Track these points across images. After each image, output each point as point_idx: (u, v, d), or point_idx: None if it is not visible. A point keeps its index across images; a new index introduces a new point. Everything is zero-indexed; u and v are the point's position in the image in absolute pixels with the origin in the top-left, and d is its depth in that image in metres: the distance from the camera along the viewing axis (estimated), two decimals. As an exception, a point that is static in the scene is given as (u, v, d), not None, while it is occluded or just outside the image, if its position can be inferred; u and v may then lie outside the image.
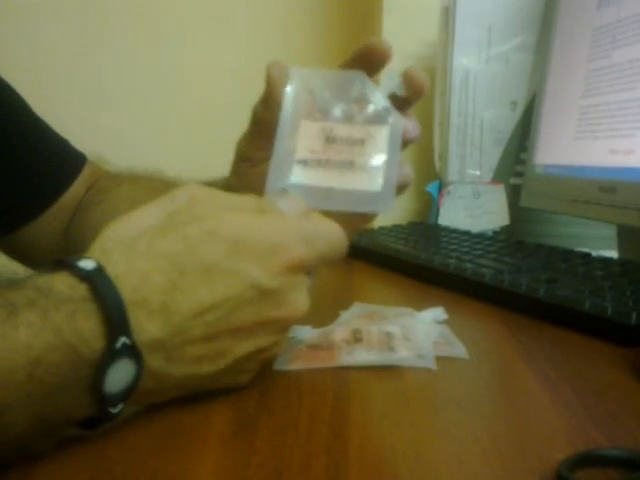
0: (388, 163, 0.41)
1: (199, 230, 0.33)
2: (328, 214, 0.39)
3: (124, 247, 0.32)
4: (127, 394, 0.30)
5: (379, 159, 0.41)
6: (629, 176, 0.64)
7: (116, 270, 0.30)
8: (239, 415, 0.33)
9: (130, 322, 0.29)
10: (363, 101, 0.42)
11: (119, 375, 0.29)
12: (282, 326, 0.35)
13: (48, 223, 0.63)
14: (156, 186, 0.57)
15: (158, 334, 0.30)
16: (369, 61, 0.43)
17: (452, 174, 0.91)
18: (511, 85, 0.89)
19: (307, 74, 0.43)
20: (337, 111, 0.42)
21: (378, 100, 0.42)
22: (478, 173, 0.91)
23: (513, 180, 0.91)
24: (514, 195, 0.89)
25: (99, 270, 0.30)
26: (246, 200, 0.36)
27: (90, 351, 0.28)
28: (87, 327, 0.28)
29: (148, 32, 1.17)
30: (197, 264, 0.32)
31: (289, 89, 0.42)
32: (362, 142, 0.41)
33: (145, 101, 1.18)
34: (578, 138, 0.74)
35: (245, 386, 0.36)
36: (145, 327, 0.30)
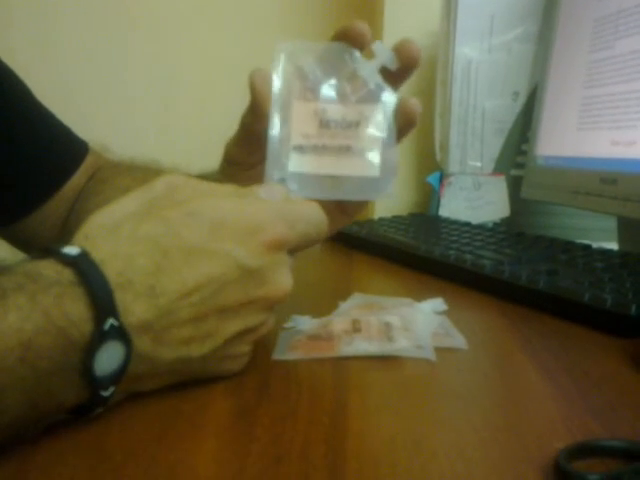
0: (385, 145, 0.40)
1: (180, 212, 0.33)
2: (331, 203, 0.39)
3: (107, 233, 0.32)
4: (117, 376, 0.30)
5: (375, 142, 0.40)
6: (630, 168, 0.64)
7: (101, 255, 0.30)
8: (239, 404, 0.33)
9: (117, 304, 0.29)
10: (354, 77, 0.41)
11: (109, 357, 0.29)
12: (267, 305, 0.35)
13: (50, 212, 0.63)
14: (149, 178, 0.57)
15: (145, 316, 0.31)
16: (348, 42, 0.42)
17: (453, 165, 0.91)
18: (513, 75, 0.89)
19: (295, 49, 0.41)
20: (328, 89, 0.41)
21: (369, 76, 0.41)
22: (479, 164, 0.91)
23: (514, 171, 0.91)
24: (515, 186, 0.89)
25: (84, 255, 0.30)
26: (225, 187, 0.37)
27: (79, 334, 0.28)
28: (75, 310, 0.29)
29: (148, 28, 1.17)
30: (180, 245, 0.32)
31: (277, 70, 0.41)
32: (357, 124, 0.40)
33: (145, 98, 1.18)
34: (580, 129, 0.74)
35: (237, 374, 0.36)
36: (132, 309, 0.30)
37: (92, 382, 0.29)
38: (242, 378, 0.36)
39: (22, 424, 0.29)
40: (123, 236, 0.32)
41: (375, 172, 0.40)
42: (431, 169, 0.94)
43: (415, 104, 0.42)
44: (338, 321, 0.43)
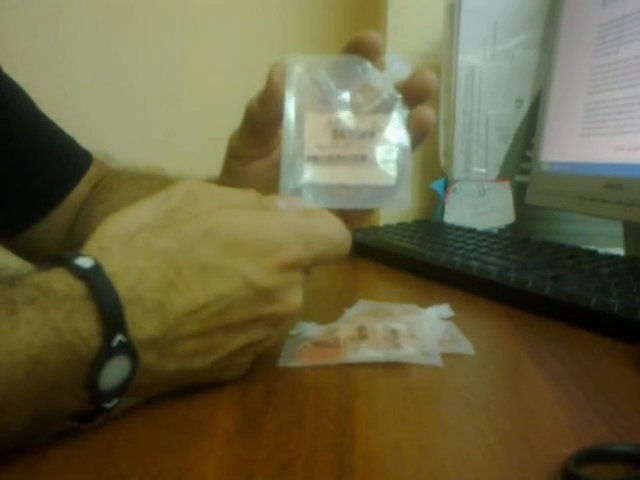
0: (399, 153, 0.40)
1: (196, 229, 0.33)
2: (334, 211, 0.39)
3: (121, 244, 0.32)
4: (122, 390, 0.30)
5: (390, 151, 0.40)
6: (635, 173, 0.64)
7: (113, 268, 0.30)
8: (245, 411, 0.33)
9: (126, 320, 0.29)
10: (367, 88, 0.41)
11: (114, 372, 0.30)
12: (274, 321, 0.35)
13: (54, 222, 0.63)
14: (155, 185, 0.57)
15: (153, 332, 0.31)
16: (361, 54, 0.42)
17: (457, 172, 0.91)
18: (516, 82, 0.89)
19: (307, 62, 0.42)
20: (341, 101, 0.41)
21: (383, 86, 0.41)
22: (484, 171, 0.91)
23: (519, 177, 0.91)
24: (520, 193, 0.89)
25: (96, 268, 0.30)
26: (244, 196, 0.36)
27: (88, 349, 0.28)
28: (85, 326, 0.28)
29: (151, 30, 1.18)
30: (193, 263, 0.32)
31: (291, 82, 0.41)
32: (371, 134, 0.40)
33: (148, 100, 1.19)
34: (584, 135, 0.74)
35: (243, 381, 0.36)
36: (141, 325, 0.30)
37: (97, 395, 0.29)
38: (248, 385, 0.36)
39: (27, 435, 0.29)
40: (137, 248, 0.32)
41: (391, 181, 0.40)
42: (435, 176, 0.94)
43: (429, 113, 0.42)
44: (344, 328, 0.43)
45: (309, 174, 0.40)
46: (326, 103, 0.41)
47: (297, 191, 0.39)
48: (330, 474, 0.27)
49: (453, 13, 0.88)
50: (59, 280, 0.29)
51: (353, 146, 0.40)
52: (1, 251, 0.65)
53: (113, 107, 1.17)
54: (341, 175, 0.40)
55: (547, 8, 0.87)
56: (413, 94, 0.41)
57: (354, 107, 0.41)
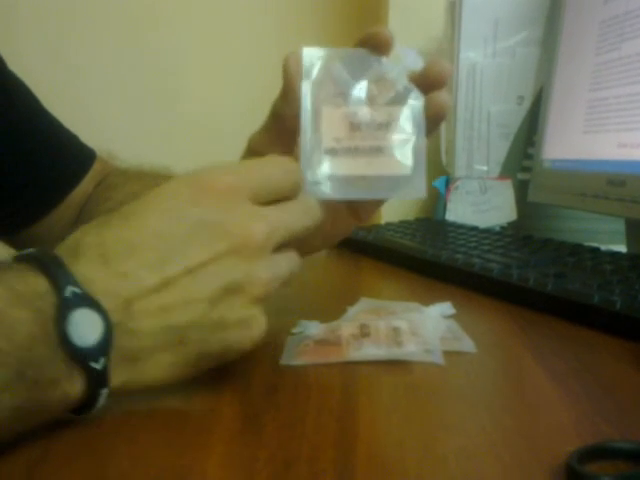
0: (415, 144, 0.41)
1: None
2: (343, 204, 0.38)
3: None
4: (104, 346, 0.30)
5: (405, 142, 0.41)
6: (638, 169, 0.64)
7: (62, 247, 0.32)
8: (247, 409, 0.33)
9: (73, 274, 0.30)
10: (381, 80, 0.42)
11: (85, 326, 0.30)
12: (239, 256, 0.34)
13: (57, 220, 0.63)
14: (159, 183, 0.57)
15: (105, 284, 0.31)
16: (373, 49, 0.43)
17: (459, 169, 0.91)
18: (518, 79, 0.88)
19: (322, 54, 0.42)
20: (357, 93, 0.41)
21: (397, 78, 0.42)
22: (485, 168, 0.91)
23: (521, 175, 0.90)
24: (522, 190, 0.89)
25: (41, 250, 0.32)
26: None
27: (47, 304, 0.29)
28: (37, 282, 0.30)
29: (152, 30, 1.18)
30: (124, 211, 0.34)
31: (306, 75, 0.41)
32: (387, 125, 0.41)
33: (151, 98, 1.19)
34: (586, 132, 0.74)
35: (245, 378, 0.36)
36: (90, 277, 0.31)
37: (75, 352, 0.29)
38: (250, 384, 0.36)
39: (22, 404, 0.28)
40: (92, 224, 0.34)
41: (407, 170, 0.41)
42: (437, 173, 0.93)
43: (445, 97, 0.42)
44: (346, 326, 0.43)
45: (327, 166, 0.40)
46: (342, 96, 0.42)
47: (316, 183, 0.40)
48: (332, 472, 0.27)
49: (454, 10, 0.88)
50: (9, 262, 0.32)
51: (369, 138, 0.41)
52: None
53: (116, 106, 1.18)
54: (359, 166, 0.41)
55: (548, 5, 0.87)
56: (429, 83, 0.42)
57: (369, 99, 0.42)
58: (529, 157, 0.89)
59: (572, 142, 0.76)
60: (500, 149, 0.90)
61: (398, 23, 0.99)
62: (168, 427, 0.31)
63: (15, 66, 0.63)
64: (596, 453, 0.27)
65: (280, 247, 0.36)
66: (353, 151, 0.41)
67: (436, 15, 0.94)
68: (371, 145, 0.41)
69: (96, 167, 0.66)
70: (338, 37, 1.13)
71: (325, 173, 0.40)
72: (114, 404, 0.32)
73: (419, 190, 0.41)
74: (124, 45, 1.17)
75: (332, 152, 0.41)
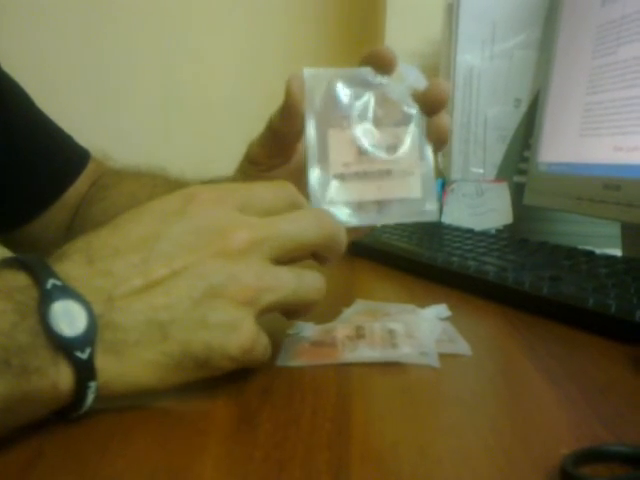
0: (423, 165, 0.41)
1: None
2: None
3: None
4: (89, 337, 0.30)
5: (414, 163, 0.41)
6: (633, 173, 0.64)
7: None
8: (242, 410, 0.33)
9: (57, 271, 0.31)
10: (385, 101, 0.41)
11: (68, 317, 0.30)
12: (220, 256, 0.33)
13: (52, 219, 0.63)
14: (157, 183, 0.57)
15: (91, 281, 0.31)
16: (375, 68, 0.42)
17: (455, 172, 0.91)
18: (515, 82, 0.89)
19: (324, 75, 0.42)
20: (362, 115, 0.41)
21: (401, 98, 0.41)
22: (481, 171, 0.91)
23: (517, 178, 0.91)
24: (518, 193, 0.89)
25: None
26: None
27: (28, 298, 0.29)
28: (17, 277, 0.30)
29: (151, 31, 1.18)
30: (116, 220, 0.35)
31: (310, 97, 0.41)
32: (394, 147, 0.41)
33: (148, 99, 1.19)
34: (582, 135, 0.74)
35: (240, 379, 0.36)
36: (73, 275, 0.31)
37: (60, 343, 0.29)
38: (245, 384, 0.36)
39: (12, 392, 0.28)
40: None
41: (417, 193, 0.40)
42: (433, 176, 0.93)
43: (446, 122, 0.42)
44: (342, 328, 0.43)
45: (337, 192, 0.40)
46: (347, 118, 0.41)
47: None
48: (327, 473, 0.26)
49: (452, 13, 0.88)
50: None
51: (378, 161, 0.40)
52: None
53: (112, 106, 1.17)
54: (369, 191, 0.40)
55: (546, 8, 0.87)
56: (429, 104, 0.42)
57: (375, 121, 0.41)
58: (525, 160, 0.89)
59: (568, 145, 0.77)
60: (496, 152, 0.90)
61: (395, 25, 0.99)
62: (163, 427, 0.31)
63: (10, 66, 0.63)
64: (591, 456, 0.27)
65: (298, 262, 0.37)
66: (362, 176, 0.40)
67: (433, 18, 0.94)
68: (380, 169, 0.40)
69: (90, 167, 0.66)
70: (336, 39, 1.13)
71: (336, 199, 0.40)
72: (108, 405, 0.32)
73: (431, 213, 0.40)
74: (121, 45, 1.17)
75: (341, 178, 0.40)
